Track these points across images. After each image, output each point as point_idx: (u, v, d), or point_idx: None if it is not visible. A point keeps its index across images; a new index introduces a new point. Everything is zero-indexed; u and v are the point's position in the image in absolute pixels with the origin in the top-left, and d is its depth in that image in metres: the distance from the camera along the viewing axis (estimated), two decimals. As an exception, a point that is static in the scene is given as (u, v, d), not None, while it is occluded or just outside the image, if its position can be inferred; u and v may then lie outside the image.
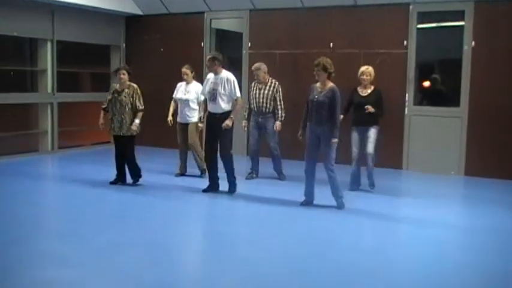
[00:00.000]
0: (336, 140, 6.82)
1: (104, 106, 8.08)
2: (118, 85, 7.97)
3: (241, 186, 8.29)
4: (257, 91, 8.63)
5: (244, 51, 11.25)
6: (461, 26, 9.41)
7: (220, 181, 7.84)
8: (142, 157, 10.73)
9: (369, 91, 7.95)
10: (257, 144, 8.76)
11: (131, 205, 7.28)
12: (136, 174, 8.14)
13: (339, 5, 10.17)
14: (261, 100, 8.57)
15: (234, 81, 7.61)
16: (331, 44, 10.30)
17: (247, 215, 7.05)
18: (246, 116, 8.82)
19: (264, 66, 8.70)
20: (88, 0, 10.97)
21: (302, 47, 10.47)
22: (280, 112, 8.54)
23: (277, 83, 8.67)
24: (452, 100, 9.70)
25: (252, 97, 8.68)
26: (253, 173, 8.88)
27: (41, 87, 11.13)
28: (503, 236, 6.18)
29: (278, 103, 8.55)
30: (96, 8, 11.23)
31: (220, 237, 5.96)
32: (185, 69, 8.76)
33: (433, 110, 9.79)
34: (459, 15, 9.42)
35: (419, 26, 9.72)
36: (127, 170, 8.20)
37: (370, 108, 7.75)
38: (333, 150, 6.89)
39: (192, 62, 9.32)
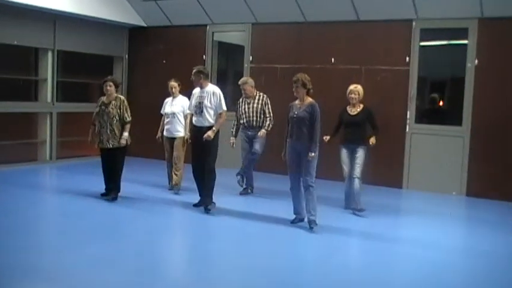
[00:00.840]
0: (313, 154, 6.64)
1: (93, 122, 7.98)
2: (105, 97, 7.89)
3: (235, 201, 8.18)
4: (246, 105, 8.53)
5: (246, 65, 11.15)
6: (464, 44, 9.23)
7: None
8: (138, 169, 10.76)
9: (358, 110, 7.80)
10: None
11: (118, 218, 7.15)
12: (117, 188, 7.98)
13: (342, 20, 10.04)
14: (250, 114, 8.47)
15: (220, 95, 7.51)
16: (333, 59, 10.18)
17: (234, 232, 6.83)
18: (234, 133, 8.69)
19: (250, 80, 8.65)
20: (91, 11, 10.97)
21: (303, 61, 10.31)
22: (268, 122, 8.43)
23: (265, 96, 8.58)
24: (452, 119, 9.50)
25: (241, 112, 8.56)
26: (248, 188, 8.73)
27: (41, 96, 11.11)
28: (496, 260, 5.94)
29: (267, 115, 8.46)
30: (99, 18, 11.21)
31: (204, 254, 5.81)
32: (173, 83, 8.75)
33: (435, 129, 9.58)
34: (463, 32, 9.24)
35: (422, 43, 9.54)
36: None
37: (372, 141, 7.60)
38: (313, 167, 6.74)
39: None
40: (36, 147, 11.18)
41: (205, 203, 7.51)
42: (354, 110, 7.82)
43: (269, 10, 10.56)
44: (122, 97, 7.97)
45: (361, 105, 7.83)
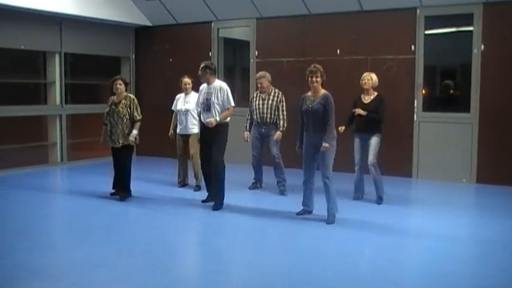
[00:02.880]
0: (326, 145, 6.55)
1: (104, 121, 8.01)
2: (115, 96, 7.92)
3: (244, 196, 8.20)
4: (260, 101, 8.40)
5: (251, 60, 11.15)
6: (470, 31, 9.15)
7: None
8: (148, 167, 10.83)
9: (372, 97, 7.70)
10: (259, 154, 8.57)
11: (126, 218, 7.20)
12: (127, 189, 7.99)
13: (345, 11, 10.01)
14: (264, 111, 8.34)
15: (227, 90, 7.43)
16: (338, 51, 10.15)
17: (243, 228, 6.78)
18: (248, 127, 8.60)
19: (268, 75, 8.48)
20: (96, 13, 11.03)
21: (309, 54, 10.30)
22: (282, 122, 8.29)
23: (280, 93, 8.43)
24: (460, 106, 9.44)
25: (254, 107, 8.44)
26: (257, 183, 8.75)
27: (50, 99, 11.20)
28: (505, 248, 5.88)
29: (281, 113, 8.30)
30: (105, 20, 11.27)
31: (211, 252, 5.83)
32: (187, 79, 8.67)
33: (443, 116, 9.53)
34: (468, 18, 9.16)
35: (428, 31, 9.48)
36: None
37: (358, 111, 7.55)
38: (330, 159, 6.68)
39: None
40: (47, 150, 11.28)
41: (215, 199, 7.51)
42: (367, 98, 7.72)
43: (273, 4, 10.56)
44: (132, 96, 7.96)
45: (375, 93, 7.74)
